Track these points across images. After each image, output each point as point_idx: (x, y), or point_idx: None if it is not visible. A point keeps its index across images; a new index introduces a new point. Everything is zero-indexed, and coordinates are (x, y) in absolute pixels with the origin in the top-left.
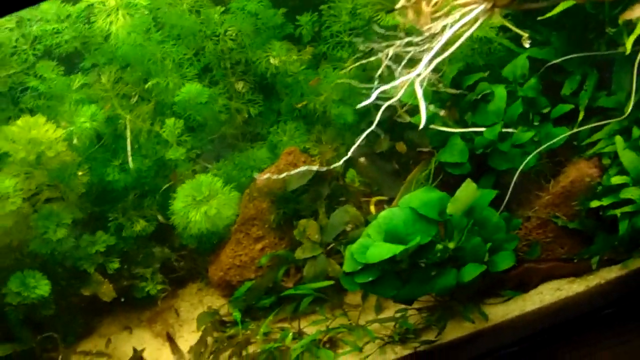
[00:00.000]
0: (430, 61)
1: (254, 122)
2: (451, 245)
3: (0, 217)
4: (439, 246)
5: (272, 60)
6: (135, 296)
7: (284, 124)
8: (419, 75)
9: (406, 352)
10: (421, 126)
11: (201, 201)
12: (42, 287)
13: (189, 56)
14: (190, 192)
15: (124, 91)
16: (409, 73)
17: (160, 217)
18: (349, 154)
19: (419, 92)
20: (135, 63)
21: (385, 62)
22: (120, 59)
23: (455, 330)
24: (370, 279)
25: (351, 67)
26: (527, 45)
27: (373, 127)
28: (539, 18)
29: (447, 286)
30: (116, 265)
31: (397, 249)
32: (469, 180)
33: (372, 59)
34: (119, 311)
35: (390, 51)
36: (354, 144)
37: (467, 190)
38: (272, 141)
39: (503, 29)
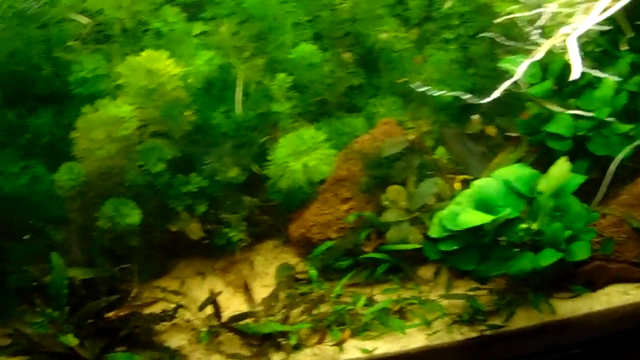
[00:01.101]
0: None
1: (353, 94)
2: (534, 226)
3: (111, 140)
4: (523, 225)
5: (381, 36)
6: (214, 243)
7: (382, 98)
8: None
9: (473, 334)
10: (574, 76)
11: (302, 152)
12: (133, 216)
13: (304, 20)
14: (293, 142)
15: (240, 44)
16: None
17: (254, 168)
18: None
19: (574, 48)
20: (255, 18)
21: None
22: (242, 12)
23: (523, 319)
24: (454, 247)
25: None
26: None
27: (490, 98)
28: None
29: (523, 269)
30: (204, 208)
31: (488, 217)
32: (565, 157)
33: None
34: (194, 257)
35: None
36: (447, 123)
37: (561, 169)
38: (369, 112)
39: None
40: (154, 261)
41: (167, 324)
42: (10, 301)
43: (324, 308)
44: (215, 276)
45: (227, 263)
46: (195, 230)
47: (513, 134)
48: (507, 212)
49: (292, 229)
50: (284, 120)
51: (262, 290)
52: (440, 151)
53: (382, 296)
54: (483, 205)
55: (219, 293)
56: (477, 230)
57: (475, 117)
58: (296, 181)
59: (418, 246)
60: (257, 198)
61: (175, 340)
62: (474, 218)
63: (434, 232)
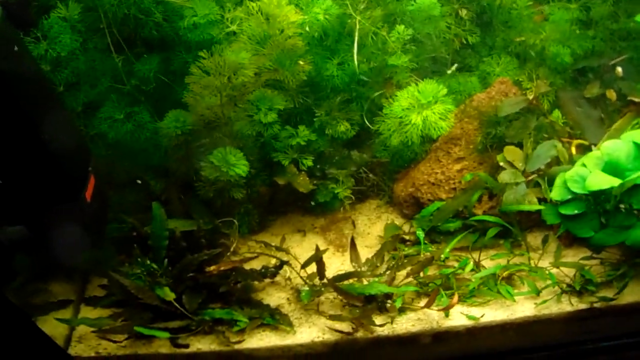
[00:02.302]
0: None
1: (465, 53)
2: None
3: (225, 87)
4: None
5: None
6: (317, 199)
7: (497, 57)
8: None
9: (582, 305)
10: None
11: (423, 105)
12: (241, 167)
13: None
14: (413, 95)
15: None
16: None
17: (366, 123)
18: None
19: None
20: None
21: None
22: None
23: (635, 293)
24: (575, 211)
25: None
26: None
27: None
28: None
29: None
30: (310, 162)
31: (617, 181)
32: None
33: None
34: (293, 214)
35: None
36: (564, 85)
37: None
38: (483, 71)
39: None
40: (253, 217)
41: (266, 281)
42: (109, 251)
43: (430, 271)
44: (315, 234)
45: (328, 221)
46: (303, 184)
47: (635, 99)
48: (637, 175)
49: (398, 188)
50: (399, 74)
51: (364, 250)
52: (556, 114)
53: (490, 262)
54: (611, 168)
55: (325, 250)
56: (600, 195)
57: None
58: (410, 136)
59: (540, 207)
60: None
61: (274, 299)
62: (602, 181)
63: (557, 194)
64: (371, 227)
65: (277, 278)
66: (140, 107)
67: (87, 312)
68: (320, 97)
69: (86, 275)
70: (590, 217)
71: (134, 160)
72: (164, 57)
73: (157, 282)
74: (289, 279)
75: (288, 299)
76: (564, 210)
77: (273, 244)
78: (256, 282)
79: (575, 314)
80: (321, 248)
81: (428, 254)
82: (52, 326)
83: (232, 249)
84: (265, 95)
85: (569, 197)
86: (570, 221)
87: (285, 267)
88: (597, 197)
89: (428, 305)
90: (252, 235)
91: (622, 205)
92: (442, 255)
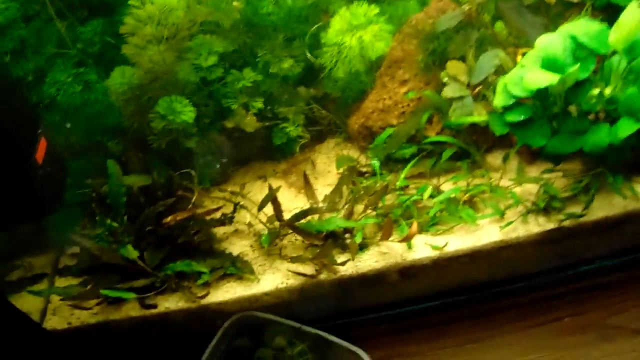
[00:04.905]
0: None
1: None
2: (607, 90)
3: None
4: (595, 90)
5: None
6: (273, 144)
7: None
8: None
9: (549, 225)
10: None
11: (357, 26)
12: (187, 113)
13: None
14: (346, 18)
15: None
16: None
17: (308, 55)
18: None
19: None
20: None
21: None
22: None
23: (604, 207)
24: (522, 117)
25: None
26: None
27: None
28: None
29: (599, 144)
30: (260, 104)
31: (555, 76)
32: (636, 2)
33: None
34: (254, 163)
35: None
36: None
37: (634, 15)
38: None
39: None
40: (213, 168)
41: (228, 231)
42: (72, 216)
43: (389, 202)
44: (277, 179)
45: (289, 165)
46: (250, 123)
47: (574, 0)
48: (575, 69)
49: (351, 121)
50: (334, 4)
51: (325, 189)
52: (499, 25)
53: (450, 186)
54: (550, 64)
55: (278, 188)
56: (545, 98)
57: None
58: (352, 63)
59: (483, 118)
60: (315, 95)
61: (238, 247)
62: (540, 78)
63: (500, 100)
64: (331, 165)
65: (240, 226)
66: (86, 68)
67: (61, 283)
68: (263, 37)
69: (60, 246)
70: (540, 123)
71: (90, 125)
72: (108, 19)
73: (120, 241)
74: (250, 224)
75: (251, 246)
76: (509, 117)
77: (229, 189)
78: (220, 232)
79: (545, 235)
80: (282, 191)
81: (385, 183)
82: (28, 302)
83: (193, 201)
84: (204, 41)
85: (512, 102)
86: (519, 129)
87: (246, 214)
88: (543, 100)
89: (385, 237)
90: (215, 187)
91: (571, 108)
92: (398, 183)
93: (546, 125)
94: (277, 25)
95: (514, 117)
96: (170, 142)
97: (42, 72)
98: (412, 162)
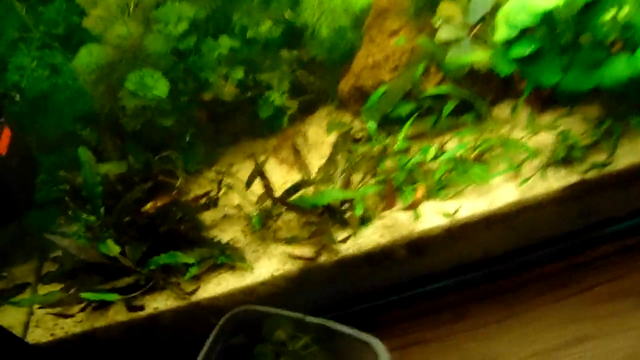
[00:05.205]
0: None
1: None
2: (621, 14)
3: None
4: (607, 15)
5: None
6: (260, 118)
7: None
8: None
9: (572, 178)
10: None
11: None
12: (160, 87)
13: None
14: None
15: None
16: None
17: (288, 15)
18: None
19: None
20: None
21: None
22: None
23: (630, 153)
24: (529, 50)
25: None
26: None
27: None
28: None
29: (619, 77)
30: (240, 74)
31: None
32: None
33: None
34: (245, 142)
35: None
36: None
37: None
38: None
39: None
40: (197, 149)
41: (217, 217)
42: (50, 217)
43: (388, 165)
44: (267, 156)
45: (279, 140)
46: (229, 92)
47: None
48: None
49: (341, 85)
50: None
51: (320, 162)
52: None
53: (455, 144)
54: None
55: (265, 161)
56: (553, 26)
57: None
58: (335, 18)
59: (485, 55)
60: (300, 59)
61: (228, 234)
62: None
63: (502, 32)
64: (324, 136)
65: (230, 210)
66: (52, 51)
67: (44, 291)
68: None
69: (41, 250)
70: (550, 57)
71: (61, 113)
72: None
73: (99, 237)
74: (240, 207)
75: (243, 231)
76: (515, 52)
77: (213, 169)
78: (208, 219)
79: (567, 191)
80: (273, 169)
81: (382, 147)
82: (10, 315)
83: (177, 186)
84: (172, 8)
85: (516, 33)
86: (527, 66)
87: (234, 196)
88: (552, 28)
89: (389, 207)
90: (203, 171)
91: (583, 39)
92: (397, 145)
93: (557, 60)
94: None
95: (520, 50)
96: (146, 123)
97: (4, 59)
98: (410, 120)
